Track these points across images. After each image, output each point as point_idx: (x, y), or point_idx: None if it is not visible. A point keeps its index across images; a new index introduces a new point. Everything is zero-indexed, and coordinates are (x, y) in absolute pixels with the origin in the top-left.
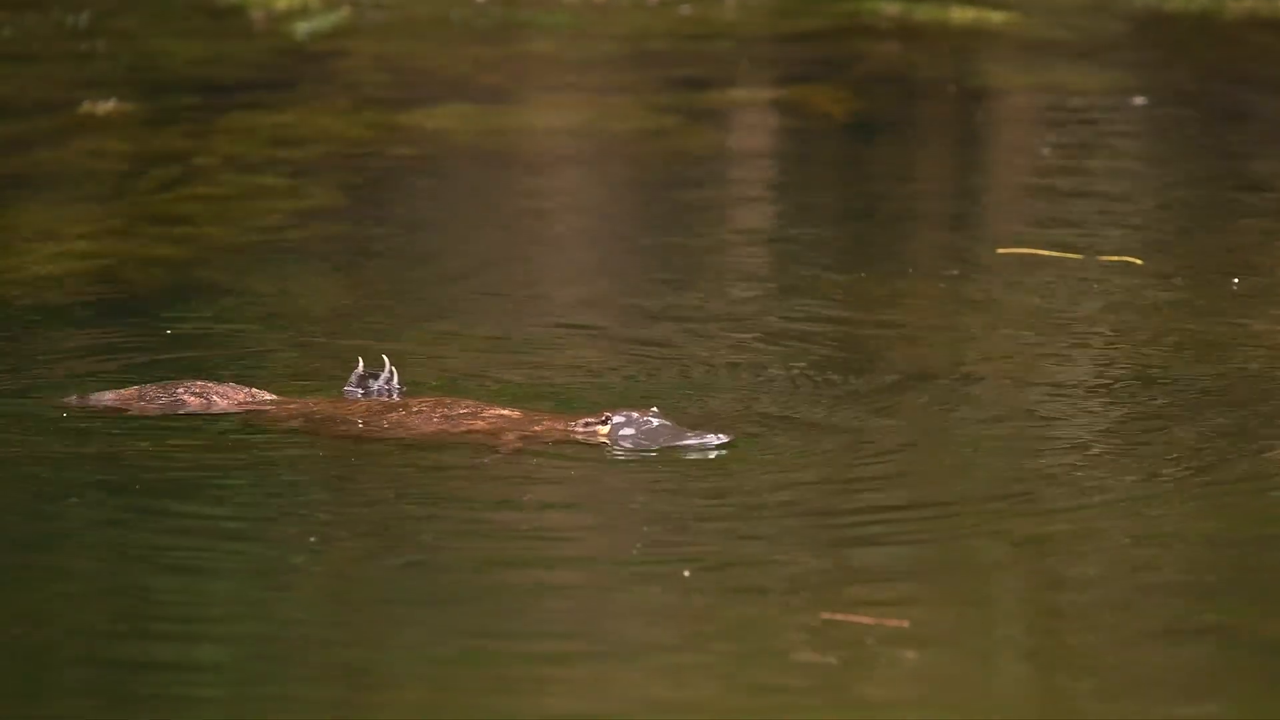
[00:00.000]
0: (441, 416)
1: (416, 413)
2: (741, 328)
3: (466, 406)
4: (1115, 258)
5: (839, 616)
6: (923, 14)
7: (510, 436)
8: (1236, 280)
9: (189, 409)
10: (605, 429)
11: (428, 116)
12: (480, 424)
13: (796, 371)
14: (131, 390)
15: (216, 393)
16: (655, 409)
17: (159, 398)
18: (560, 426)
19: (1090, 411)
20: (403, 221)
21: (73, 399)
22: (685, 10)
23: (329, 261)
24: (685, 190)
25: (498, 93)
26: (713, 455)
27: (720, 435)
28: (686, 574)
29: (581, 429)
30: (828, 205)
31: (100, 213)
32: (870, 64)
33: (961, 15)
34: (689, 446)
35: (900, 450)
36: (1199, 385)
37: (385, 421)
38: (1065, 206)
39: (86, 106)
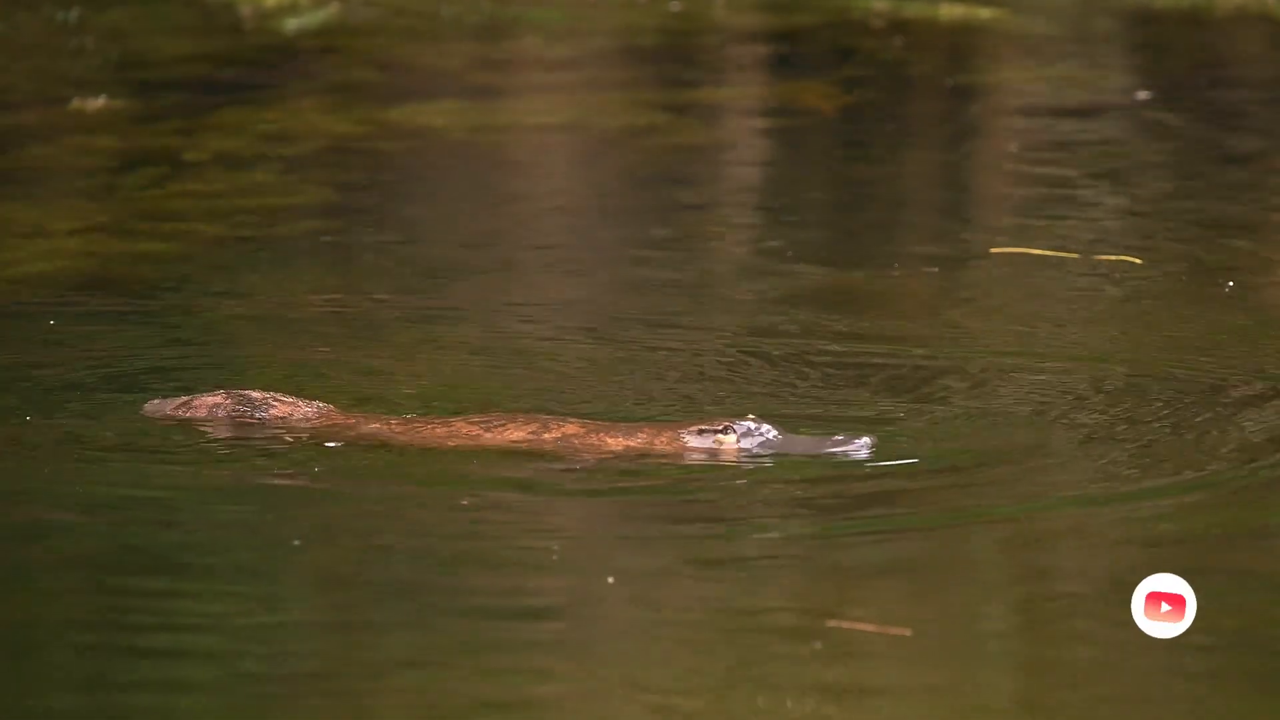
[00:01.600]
0: (536, 427)
1: (505, 424)
2: (731, 326)
3: (543, 419)
4: (1114, 257)
5: (845, 624)
6: (912, 10)
7: (613, 445)
8: (1231, 284)
9: (264, 421)
10: (731, 439)
11: (418, 112)
12: (572, 430)
13: (784, 373)
14: (203, 400)
15: (288, 406)
16: (751, 416)
17: (236, 410)
18: (668, 436)
19: (1082, 414)
20: (393, 217)
21: (150, 405)
22: (675, 6)
23: (319, 258)
24: (675, 186)
25: (488, 88)
26: (865, 460)
27: (866, 439)
28: (610, 580)
29: (697, 439)
30: (818, 202)
31: (90, 209)
32: (861, 60)
33: (950, 12)
34: (835, 453)
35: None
36: (1189, 388)
37: (477, 433)
38: (1057, 205)
39: (76, 103)
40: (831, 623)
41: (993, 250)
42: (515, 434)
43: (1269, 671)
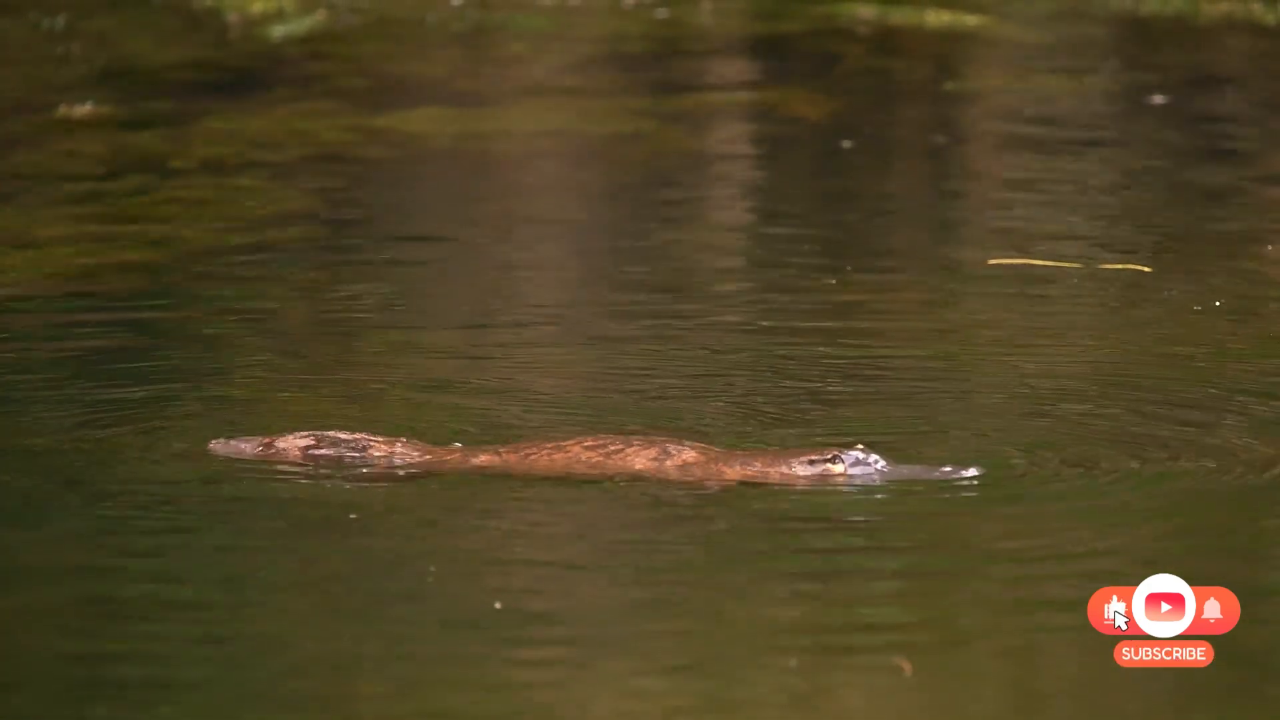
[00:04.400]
0: (656, 452)
1: (624, 449)
2: (720, 333)
3: (662, 445)
4: (1120, 265)
5: (898, 661)
6: (898, 17)
7: (730, 475)
8: (1219, 302)
9: (363, 461)
10: (839, 468)
11: (405, 119)
12: (691, 459)
13: (774, 385)
14: (288, 442)
15: (385, 445)
16: (860, 445)
17: (330, 452)
18: (781, 465)
19: (1073, 420)
20: (381, 225)
21: (218, 444)
22: (661, 13)
23: (307, 265)
24: (662, 193)
25: (474, 95)
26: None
27: (973, 468)
28: (497, 605)
29: (807, 468)
30: (805, 210)
31: (77, 216)
32: (848, 66)
33: (937, 18)
34: (944, 481)
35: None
36: (1180, 399)
37: (598, 460)
38: (1049, 214)
39: (63, 109)
40: (897, 659)
41: (990, 262)
42: (637, 462)
43: (1255, 679)
